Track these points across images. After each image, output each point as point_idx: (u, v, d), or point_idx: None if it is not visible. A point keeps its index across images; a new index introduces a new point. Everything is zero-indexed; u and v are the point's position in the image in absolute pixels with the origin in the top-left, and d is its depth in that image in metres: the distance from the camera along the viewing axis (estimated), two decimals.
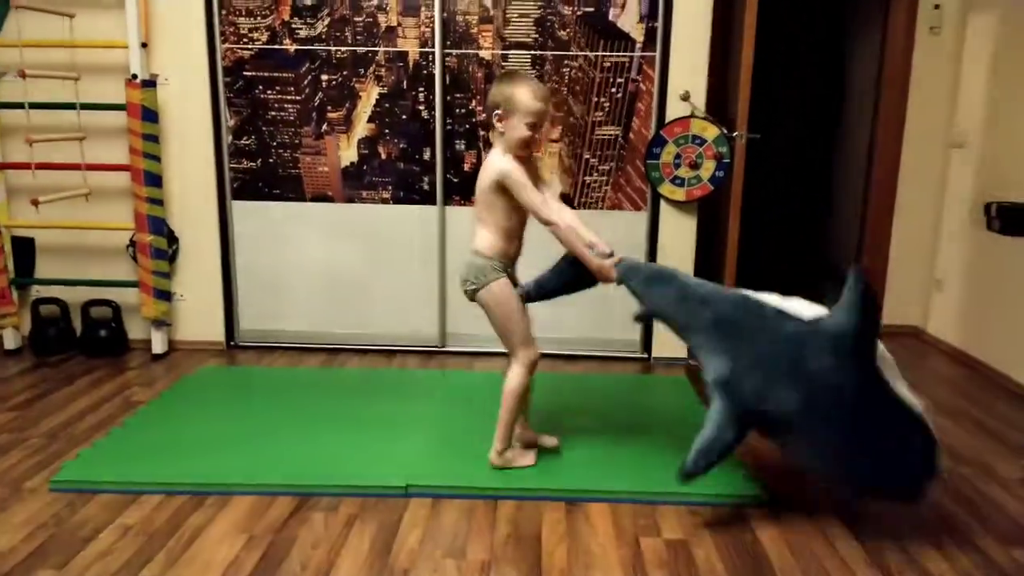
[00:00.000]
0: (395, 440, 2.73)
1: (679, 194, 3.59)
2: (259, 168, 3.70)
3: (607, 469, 2.54)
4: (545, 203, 2.34)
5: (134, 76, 3.39)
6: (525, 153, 2.38)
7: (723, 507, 2.34)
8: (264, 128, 3.66)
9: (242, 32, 3.56)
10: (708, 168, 3.55)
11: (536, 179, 2.43)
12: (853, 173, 5.50)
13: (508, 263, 2.45)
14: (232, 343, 3.84)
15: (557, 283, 2.47)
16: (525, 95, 2.30)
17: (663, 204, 3.64)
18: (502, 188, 2.33)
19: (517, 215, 2.40)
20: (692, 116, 3.52)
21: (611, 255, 2.37)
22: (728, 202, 3.61)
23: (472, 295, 2.43)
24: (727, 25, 3.89)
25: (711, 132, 3.52)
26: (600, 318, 3.74)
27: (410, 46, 3.57)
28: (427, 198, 3.69)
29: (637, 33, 3.52)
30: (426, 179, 3.68)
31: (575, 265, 2.40)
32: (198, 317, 3.79)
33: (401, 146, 3.66)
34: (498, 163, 2.34)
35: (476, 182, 2.42)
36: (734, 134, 3.51)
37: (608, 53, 3.55)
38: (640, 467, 2.56)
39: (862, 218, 4.60)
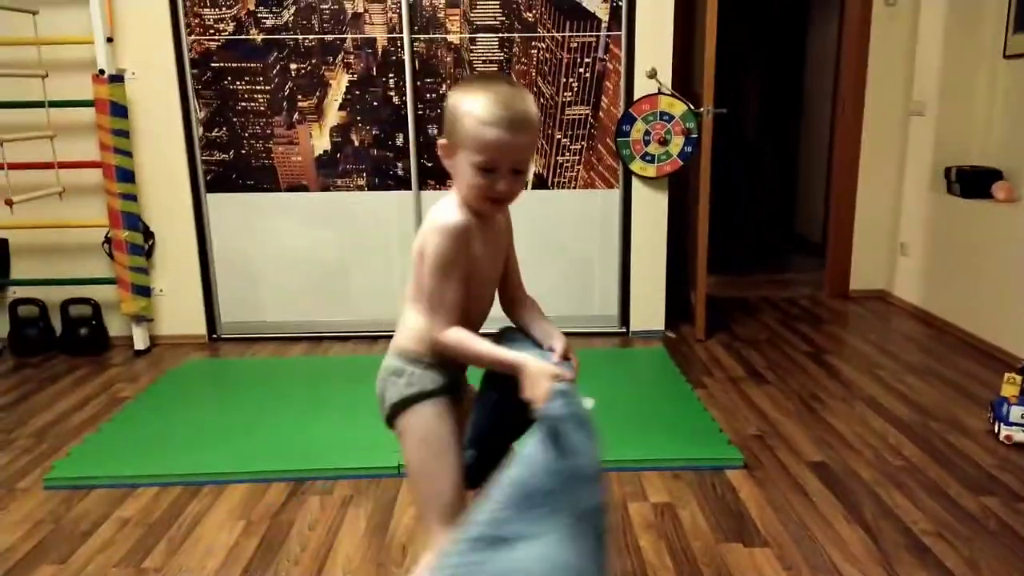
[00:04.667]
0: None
1: (650, 170, 3.66)
2: (232, 159, 3.69)
3: None
4: (443, 305, 1.35)
5: (101, 71, 3.37)
6: (484, 207, 1.36)
7: (704, 471, 2.43)
8: (235, 119, 3.66)
9: (208, 23, 3.54)
10: (677, 144, 3.62)
11: (495, 248, 1.44)
12: (817, 145, 5.63)
13: (452, 370, 1.44)
14: (214, 336, 3.85)
15: (488, 420, 1.45)
16: (475, 116, 1.27)
17: (635, 181, 3.71)
18: None
19: (468, 286, 1.38)
20: (659, 93, 3.58)
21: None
22: (698, 176, 3.69)
23: (390, 419, 1.50)
24: (691, 2, 3.95)
25: (678, 108, 3.58)
26: (580, 295, 3.82)
27: (378, 32, 3.58)
28: (402, 183, 3.72)
29: (602, 12, 3.56)
30: (400, 165, 3.71)
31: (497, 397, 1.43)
32: (179, 311, 3.79)
33: (374, 133, 3.67)
34: (437, 216, 1.36)
35: None
36: (701, 109, 3.58)
37: (574, 33, 3.59)
38: (623, 436, 2.63)
39: (827, 188, 4.72)
